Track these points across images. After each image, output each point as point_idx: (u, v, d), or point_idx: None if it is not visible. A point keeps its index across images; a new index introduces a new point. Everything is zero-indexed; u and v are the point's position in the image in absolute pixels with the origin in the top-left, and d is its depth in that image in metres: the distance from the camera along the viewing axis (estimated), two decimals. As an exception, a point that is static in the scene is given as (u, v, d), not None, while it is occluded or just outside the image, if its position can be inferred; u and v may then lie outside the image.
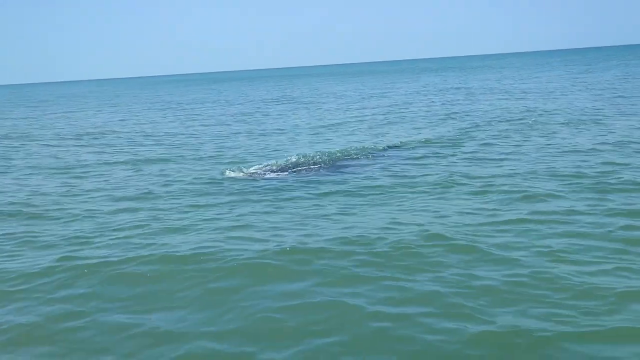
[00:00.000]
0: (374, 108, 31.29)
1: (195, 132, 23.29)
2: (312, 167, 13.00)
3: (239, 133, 22.42)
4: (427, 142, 16.37)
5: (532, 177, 10.77)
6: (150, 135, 22.57)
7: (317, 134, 21.54)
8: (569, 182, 10.27)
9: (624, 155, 12.58)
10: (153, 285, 6.72)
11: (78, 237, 8.67)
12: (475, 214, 8.48)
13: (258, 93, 58.00)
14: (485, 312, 5.48)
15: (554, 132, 16.80)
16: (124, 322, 5.88)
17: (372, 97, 40.66)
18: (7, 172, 14.85)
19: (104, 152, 18.11)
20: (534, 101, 28.55)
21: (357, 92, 47.88)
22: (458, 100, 32.16)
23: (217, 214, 9.36)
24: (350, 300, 5.82)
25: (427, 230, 7.72)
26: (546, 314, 5.40)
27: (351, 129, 22.51)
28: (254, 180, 11.80)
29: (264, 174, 12.33)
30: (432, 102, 32.92)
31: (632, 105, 23.77)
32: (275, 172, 12.45)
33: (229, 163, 14.82)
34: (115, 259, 7.58)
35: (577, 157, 12.65)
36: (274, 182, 11.50)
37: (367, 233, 7.73)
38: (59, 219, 9.84)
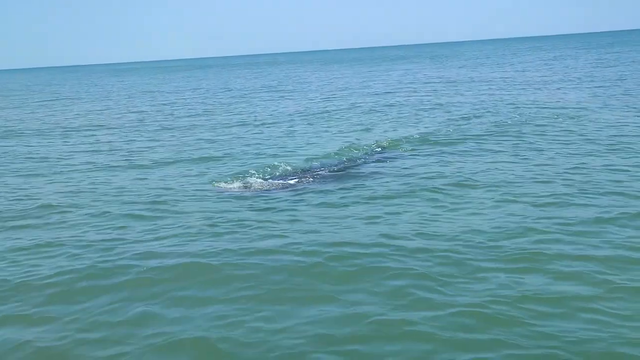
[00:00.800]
0: (359, 97, 31.45)
1: (188, 125, 23.06)
2: (319, 172, 12.79)
3: (233, 125, 22.33)
4: (425, 140, 16.29)
5: (544, 182, 10.84)
6: (142, 131, 22.16)
7: (311, 124, 21.68)
8: (581, 186, 10.40)
9: (625, 157, 12.79)
10: (199, 304, 6.47)
11: (95, 247, 8.47)
12: (506, 222, 8.50)
13: (239, 81, 57.48)
14: (586, 336, 5.34)
15: (548, 128, 16.91)
16: (179, 344, 5.69)
17: (354, 86, 40.67)
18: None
19: (98, 152, 17.61)
20: (517, 91, 28.96)
21: (340, 81, 47.82)
22: (442, 90, 32.33)
23: (237, 225, 9.11)
24: (421, 328, 5.64)
25: (469, 242, 7.68)
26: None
27: (344, 119, 22.72)
28: (264, 188, 11.56)
29: (272, 181, 12.06)
30: (416, 91, 33.17)
31: (613, 96, 24.34)
32: (283, 178, 12.22)
33: (232, 163, 14.67)
34: (149, 275, 7.32)
35: (580, 159, 12.77)
36: (287, 191, 11.26)
37: (405, 247, 7.66)
38: (68, 228, 9.58)
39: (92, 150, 18.02)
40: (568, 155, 13.34)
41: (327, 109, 26.65)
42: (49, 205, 11.06)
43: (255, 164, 14.31)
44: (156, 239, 8.79)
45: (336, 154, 15.25)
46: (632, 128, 16.31)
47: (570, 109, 20.93)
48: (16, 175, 14.46)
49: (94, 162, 15.73)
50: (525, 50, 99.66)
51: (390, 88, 36.77)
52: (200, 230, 8.99)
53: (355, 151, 15.40)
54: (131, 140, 19.97)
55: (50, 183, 13.29)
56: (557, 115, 19.44)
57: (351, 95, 33.70)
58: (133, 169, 14.67)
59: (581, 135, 15.76)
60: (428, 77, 45.55)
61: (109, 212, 10.44)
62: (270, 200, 10.62)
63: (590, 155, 13.12)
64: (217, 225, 9.13)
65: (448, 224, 8.63)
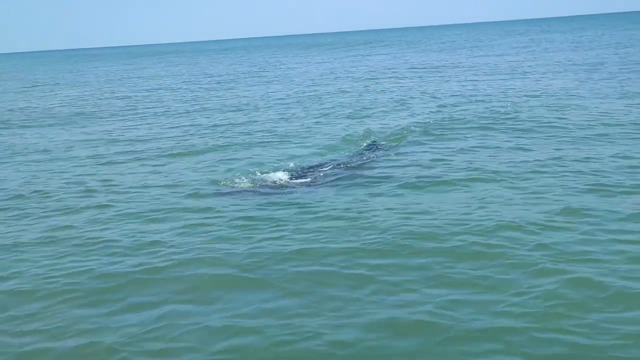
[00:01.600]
0: (346, 83, 31.54)
1: (182, 112, 22.97)
2: (330, 168, 12.60)
3: (228, 111, 22.32)
4: (425, 131, 16.12)
5: (557, 176, 10.87)
6: (136, 119, 21.78)
7: (306, 109, 21.83)
8: (596, 180, 10.46)
9: (628, 146, 12.89)
10: (254, 317, 6.30)
11: (127, 254, 8.29)
12: (536, 219, 8.51)
13: (220, 67, 56.66)
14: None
15: (545, 118, 16.99)
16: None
17: (339, 72, 40.62)
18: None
19: (99, 144, 17.15)
20: (503, 77, 29.27)
21: (322, 66, 47.68)
22: (427, 77, 32.33)
23: (270, 227, 8.92)
24: (499, 337, 5.56)
25: (514, 240, 7.66)
26: None
27: (337, 104, 22.99)
28: (279, 185, 11.40)
29: (286, 178, 11.86)
30: (401, 78, 33.16)
31: (600, 81, 24.82)
32: (296, 174, 12.08)
33: (238, 155, 14.55)
34: (193, 287, 7.11)
35: (586, 151, 12.79)
36: (306, 188, 11.16)
37: (450, 250, 7.60)
38: (93, 231, 9.33)
39: (93, 140, 17.63)
40: (573, 147, 13.36)
41: (317, 94, 26.69)
42: (68, 207, 10.76)
43: (261, 158, 14.17)
44: (187, 243, 8.50)
45: (341, 147, 15.14)
46: (626, 116, 16.50)
47: (561, 97, 21.13)
48: (22, 172, 14.05)
49: (99, 155, 15.38)
50: (498, 34, 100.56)
51: (375, 74, 36.79)
52: (231, 234, 8.72)
53: (358, 144, 15.28)
54: (129, 129, 19.60)
55: (61, 180, 12.89)
56: (550, 104, 19.51)
57: (337, 80, 33.84)
58: (140, 161, 14.44)
59: (578, 124, 15.83)
60: (410, 62, 45.64)
61: (130, 212, 10.18)
62: (293, 199, 10.44)
63: (595, 146, 13.20)
64: (250, 228, 8.90)
65: (481, 220, 8.58)
